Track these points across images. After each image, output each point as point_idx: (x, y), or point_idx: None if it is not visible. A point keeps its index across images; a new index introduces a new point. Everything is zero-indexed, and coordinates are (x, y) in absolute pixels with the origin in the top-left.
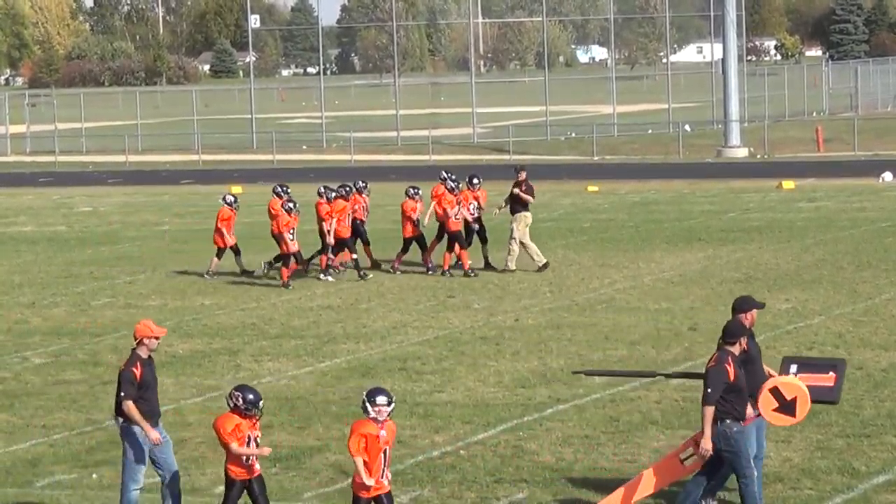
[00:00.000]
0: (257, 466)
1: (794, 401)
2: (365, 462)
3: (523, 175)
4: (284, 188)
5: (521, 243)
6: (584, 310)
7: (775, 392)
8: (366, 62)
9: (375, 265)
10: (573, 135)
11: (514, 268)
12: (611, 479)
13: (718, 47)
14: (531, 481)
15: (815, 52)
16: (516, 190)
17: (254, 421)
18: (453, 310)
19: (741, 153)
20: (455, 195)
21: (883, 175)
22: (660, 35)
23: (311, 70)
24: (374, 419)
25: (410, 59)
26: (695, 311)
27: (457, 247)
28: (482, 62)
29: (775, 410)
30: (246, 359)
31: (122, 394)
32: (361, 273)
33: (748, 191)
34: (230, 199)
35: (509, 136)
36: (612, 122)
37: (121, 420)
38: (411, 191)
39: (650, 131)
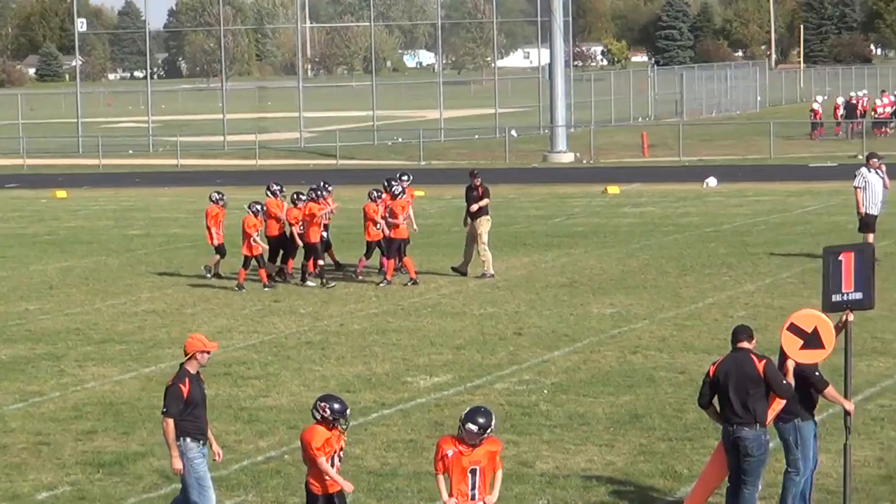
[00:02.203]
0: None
1: (815, 331)
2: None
3: (478, 180)
4: (280, 187)
5: (468, 246)
6: (409, 314)
7: (794, 329)
8: (193, 66)
9: (339, 267)
10: (400, 140)
11: (492, 272)
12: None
13: (546, 53)
14: (355, 486)
15: (641, 57)
16: (478, 204)
17: (340, 432)
18: (279, 315)
19: (567, 158)
20: (378, 204)
21: (707, 180)
22: (487, 40)
23: (138, 74)
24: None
25: (238, 64)
26: (520, 316)
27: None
28: (310, 67)
29: (802, 349)
30: (70, 364)
31: (165, 410)
32: (325, 280)
33: (574, 196)
34: (216, 196)
35: (336, 141)
36: (439, 128)
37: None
38: (374, 193)
39: (477, 136)
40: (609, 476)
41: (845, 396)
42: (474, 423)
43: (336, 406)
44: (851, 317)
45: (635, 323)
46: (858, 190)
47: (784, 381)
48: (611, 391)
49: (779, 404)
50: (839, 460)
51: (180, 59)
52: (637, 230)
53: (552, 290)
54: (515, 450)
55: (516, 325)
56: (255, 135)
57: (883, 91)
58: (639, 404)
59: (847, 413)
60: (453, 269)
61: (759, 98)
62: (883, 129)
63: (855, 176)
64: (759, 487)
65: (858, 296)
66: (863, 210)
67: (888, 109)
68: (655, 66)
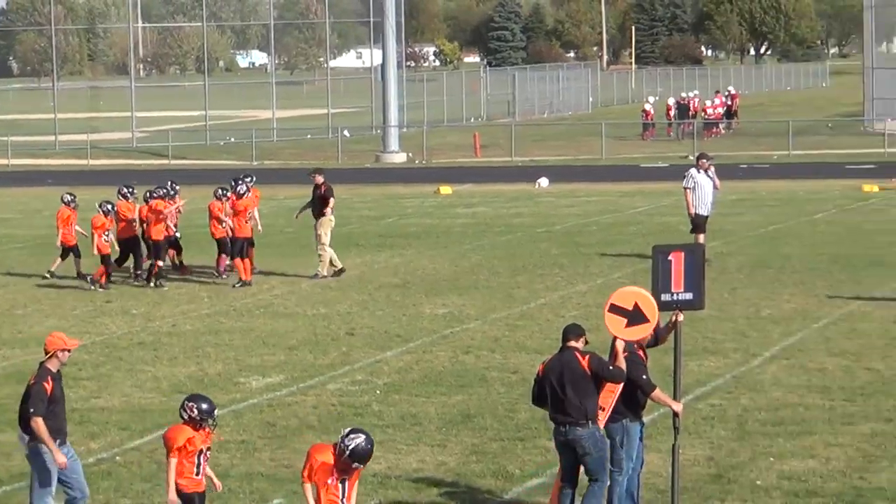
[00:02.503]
0: (204, 482)
1: (636, 307)
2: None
3: (320, 178)
4: (130, 189)
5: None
6: (242, 315)
7: (615, 309)
8: (24, 66)
9: (178, 268)
10: (232, 140)
11: (325, 273)
12: (267, 485)
13: (378, 53)
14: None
15: (473, 58)
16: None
17: (207, 432)
18: (111, 315)
19: (400, 158)
20: (223, 202)
21: (539, 181)
22: (320, 41)
23: None
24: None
25: (70, 64)
26: (352, 316)
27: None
28: (142, 67)
29: (628, 326)
30: None
31: (32, 410)
32: (158, 282)
33: (406, 196)
34: (68, 198)
35: (168, 140)
36: (271, 128)
37: (27, 438)
38: (220, 191)
39: (309, 136)
40: (441, 477)
41: (675, 396)
42: (361, 462)
43: (204, 406)
44: (681, 317)
45: (468, 323)
46: (688, 191)
47: (613, 367)
48: (443, 391)
49: (609, 404)
50: (669, 460)
51: (11, 58)
52: (469, 230)
53: (385, 290)
54: None
55: (349, 325)
56: (86, 134)
57: (717, 92)
58: (471, 404)
59: (675, 414)
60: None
61: (590, 99)
62: (714, 130)
63: (685, 177)
64: (608, 481)
65: (689, 296)
66: (692, 211)
67: (719, 110)
68: (488, 67)
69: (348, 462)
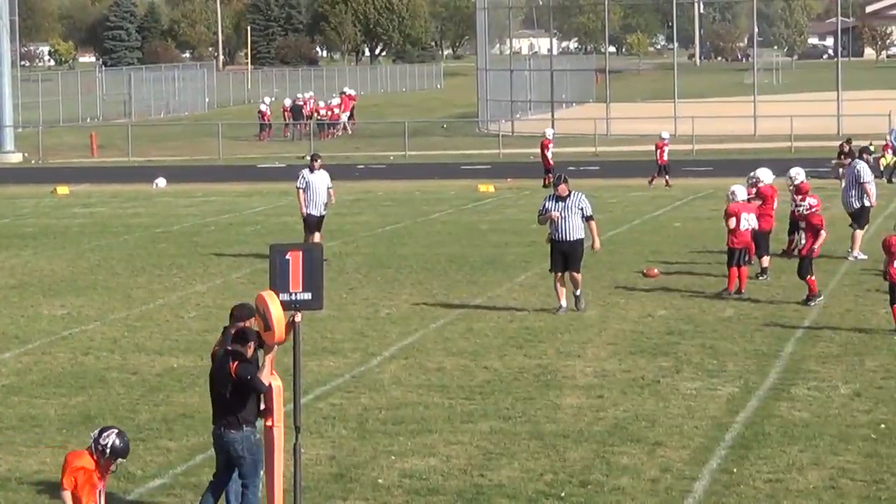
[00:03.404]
0: None
1: (267, 313)
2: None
3: None
4: None
5: None
6: None
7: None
8: None
9: None
10: None
11: None
12: None
13: None
14: None
15: (89, 58)
16: None
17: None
18: None
19: (15, 158)
20: None
21: (156, 181)
22: None
23: None
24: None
25: None
26: None
27: None
28: None
29: (265, 332)
30: None
31: None
32: None
33: (22, 196)
34: None
35: None
36: None
37: None
38: None
39: None
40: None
41: (294, 397)
42: (123, 456)
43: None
44: (299, 316)
45: (87, 324)
46: (300, 191)
47: (254, 378)
48: (63, 392)
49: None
50: (291, 460)
51: None
52: (87, 231)
53: (2, 292)
54: None
55: None
56: None
57: (342, 93)
58: (91, 405)
59: (295, 414)
60: None
61: (207, 99)
62: (330, 131)
63: (298, 177)
64: (260, 486)
65: (307, 296)
66: (304, 211)
67: (336, 111)
68: (103, 67)
69: (110, 461)
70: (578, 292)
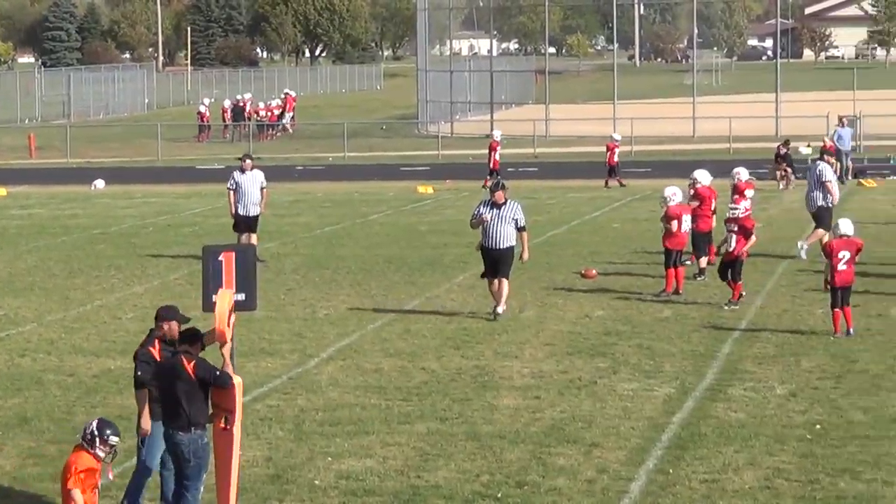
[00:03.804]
0: None
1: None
2: None
3: None
4: None
5: None
6: None
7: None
8: None
9: None
10: None
11: None
12: None
13: None
14: None
15: (28, 58)
16: None
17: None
18: None
19: None
20: None
21: (95, 182)
22: None
23: None
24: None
25: None
26: None
27: None
28: None
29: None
30: None
31: None
32: None
33: None
34: None
35: None
36: None
37: None
38: None
39: None
40: None
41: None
42: (117, 435)
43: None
44: (233, 318)
45: (23, 326)
46: (230, 191)
47: (220, 372)
48: None
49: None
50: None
51: None
52: (25, 232)
53: None
54: None
55: None
56: None
57: (286, 94)
58: (27, 407)
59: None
60: None
61: (146, 100)
62: (269, 132)
63: (229, 178)
64: (201, 490)
65: (241, 297)
66: (233, 211)
67: (275, 112)
68: (42, 68)
69: (105, 443)
70: (500, 309)
